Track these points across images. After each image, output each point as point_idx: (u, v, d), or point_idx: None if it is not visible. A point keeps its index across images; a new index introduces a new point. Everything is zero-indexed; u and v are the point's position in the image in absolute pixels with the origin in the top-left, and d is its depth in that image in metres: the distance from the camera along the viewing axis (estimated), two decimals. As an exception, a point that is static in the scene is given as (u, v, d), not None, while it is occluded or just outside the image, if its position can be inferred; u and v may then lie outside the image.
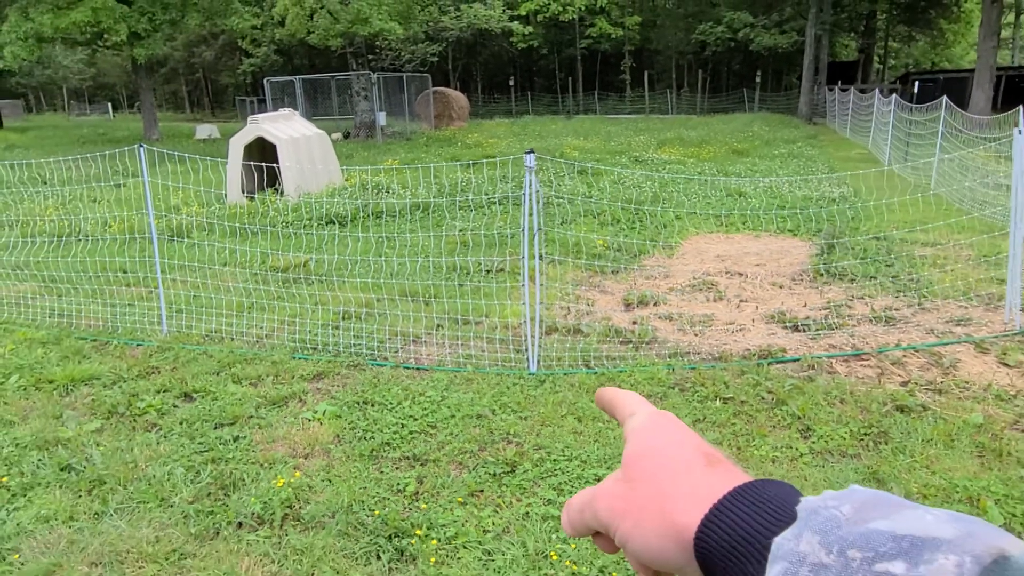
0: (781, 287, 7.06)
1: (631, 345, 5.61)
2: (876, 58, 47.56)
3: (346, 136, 27.67)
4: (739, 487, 0.42)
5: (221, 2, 26.81)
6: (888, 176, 12.80)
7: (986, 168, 12.04)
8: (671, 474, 0.46)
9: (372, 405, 4.65)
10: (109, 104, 60.48)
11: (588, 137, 23.16)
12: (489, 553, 3.12)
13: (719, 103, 40.33)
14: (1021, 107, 8.29)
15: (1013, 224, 5.51)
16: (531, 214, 4.99)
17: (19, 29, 22.41)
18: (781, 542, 0.37)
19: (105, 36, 25.44)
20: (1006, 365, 5.04)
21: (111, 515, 3.48)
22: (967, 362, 5.10)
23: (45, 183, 12.74)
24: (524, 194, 4.98)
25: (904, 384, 4.76)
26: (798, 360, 5.19)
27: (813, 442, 4.01)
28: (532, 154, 4.93)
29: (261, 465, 3.93)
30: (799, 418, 4.27)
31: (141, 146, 5.89)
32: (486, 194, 11.45)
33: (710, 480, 0.44)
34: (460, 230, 9.56)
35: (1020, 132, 5.29)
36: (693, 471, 0.45)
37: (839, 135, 24.12)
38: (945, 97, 11.96)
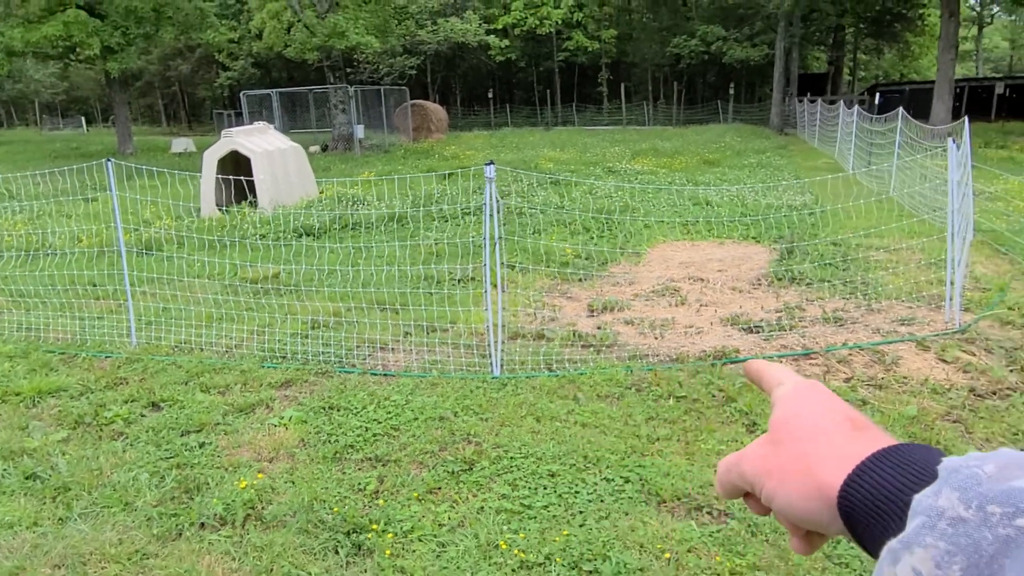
0: (740, 291, 7.28)
1: (593, 348, 5.78)
2: (847, 70, 48.56)
3: (324, 149, 27.74)
4: (883, 449, 0.44)
5: (196, 16, 26.84)
6: (851, 184, 13.15)
7: (944, 176, 12.41)
8: (816, 437, 0.47)
9: (338, 410, 4.77)
10: (83, 118, 59.99)
11: (564, 149, 23.45)
12: (443, 545, 3.26)
13: (695, 114, 40.92)
14: (966, 118, 8.60)
15: (951, 228, 5.77)
16: (492, 223, 5.15)
17: (-10, 43, 22.32)
18: (920, 499, 0.38)
19: (78, 50, 25.36)
20: (944, 361, 5.27)
21: (75, 520, 3.57)
22: (908, 359, 5.33)
23: (13, 198, 12.71)
24: (485, 204, 5.14)
25: (847, 380, 4.97)
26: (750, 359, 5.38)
27: (757, 435, 4.17)
28: (492, 165, 5.10)
29: (226, 469, 4.03)
30: (746, 414, 4.45)
31: (109, 160, 5.99)
32: (459, 205, 11.61)
33: (855, 443, 0.46)
34: (433, 240, 9.70)
35: (954, 142, 5.54)
36: (838, 434, 0.47)
37: (808, 145, 24.62)
38: (901, 108, 12.34)
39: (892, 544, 0.38)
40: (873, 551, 0.44)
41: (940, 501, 0.37)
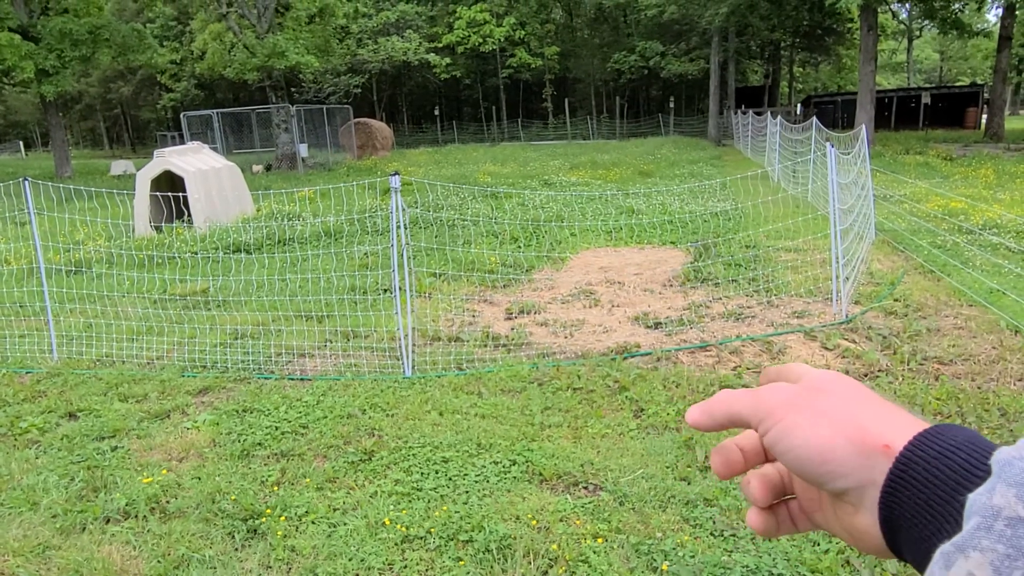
0: (652, 292, 7.67)
1: (504, 348, 6.07)
2: (784, 83, 50.31)
3: (268, 168, 27.68)
4: (942, 425, 0.42)
5: (134, 38, 26.61)
6: (774, 190, 13.79)
7: (858, 179, 13.14)
8: (863, 400, 0.46)
9: (251, 412, 4.96)
10: (21, 143, 58.44)
11: (505, 163, 23.88)
12: (334, 526, 3.49)
13: (637, 128, 41.94)
14: (864, 126, 9.21)
15: (833, 226, 6.24)
16: (399, 231, 5.42)
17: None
18: (975, 498, 0.36)
19: (11, 73, 24.90)
20: (827, 349, 5.71)
21: (-18, 520, 3.70)
22: (795, 348, 5.75)
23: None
24: (392, 213, 5.41)
25: (735, 369, 5.36)
26: (649, 354, 5.75)
27: (642, 420, 4.53)
28: (397, 176, 5.37)
29: (135, 470, 4.19)
30: (635, 401, 4.79)
31: (25, 180, 6.09)
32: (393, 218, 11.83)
33: (903, 416, 0.44)
34: (363, 253, 9.92)
35: (831, 145, 6.03)
36: (884, 406, 0.45)
37: (743, 156, 25.51)
38: (815, 118, 13.03)
39: (945, 548, 0.36)
40: (910, 551, 0.41)
41: (995, 499, 0.35)
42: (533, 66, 44.57)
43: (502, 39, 42.50)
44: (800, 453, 0.44)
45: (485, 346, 6.15)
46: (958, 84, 56.83)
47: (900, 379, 5.06)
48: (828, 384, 0.47)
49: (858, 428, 0.43)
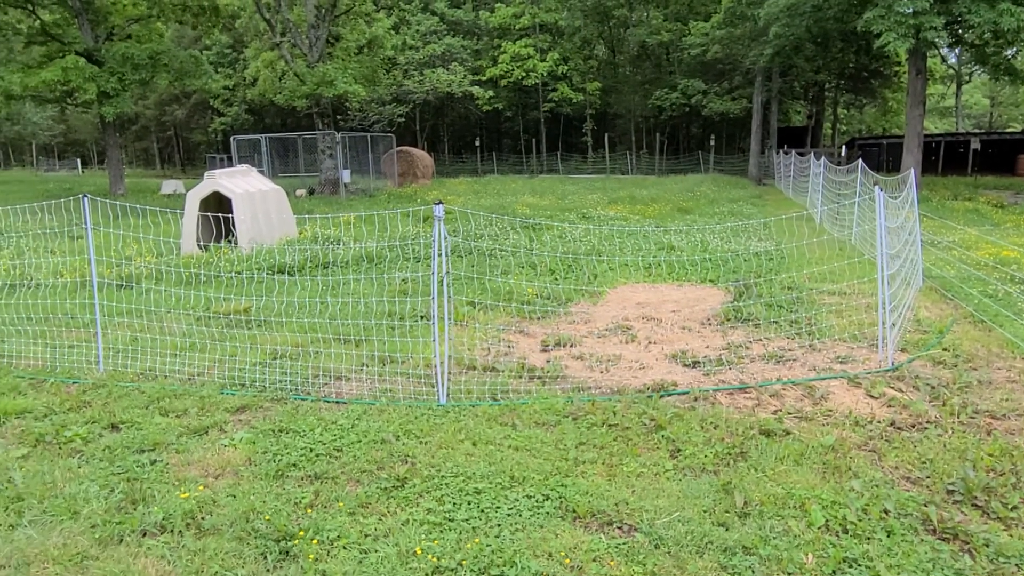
0: (690, 330, 7.58)
1: (539, 380, 6.04)
2: (828, 124, 49.92)
3: (311, 192, 28.26)
4: None
5: (191, 63, 27.59)
6: (817, 231, 13.62)
7: (905, 224, 12.92)
8: None
9: (287, 432, 5.00)
10: (78, 160, 60.69)
11: (543, 195, 24.00)
12: (365, 552, 3.48)
13: (677, 164, 41.89)
14: (912, 170, 9.06)
15: (880, 271, 6.12)
16: (440, 259, 5.47)
17: (-13, 87, 22.88)
18: None
19: (75, 94, 25.97)
20: (872, 397, 5.56)
21: (24, 526, 3.77)
22: (838, 394, 5.62)
23: (1, 234, 13.00)
24: (434, 241, 5.47)
25: (775, 413, 5.25)
26: (687, 393, 5.66)
27: (679, 460, 4.45)
28: (440, 205, 5.44)
29: (172, 484, 4.24)
30: (672, 440, 4.71)
31: (84, 196, 6.30)
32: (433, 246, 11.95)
33: None
34: (402, 279, 10.02)
35: (880, 189, 5.94)
36: None
37: (784, 196, 25.28)
38: (860, 160, 12.88)
39: None
40: None
41: None
42: (574, 100, 44.98)
43: (545, 74, 43.05)
44: None
45: (520, 377, 6.13)
46: (1009, 130, 55.74)
47: (950, 432, 4.90)
48: None
49: None
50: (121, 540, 3.63)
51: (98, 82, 24.73)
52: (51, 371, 6.52)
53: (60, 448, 4.82)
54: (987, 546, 3.50)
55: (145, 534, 3.69)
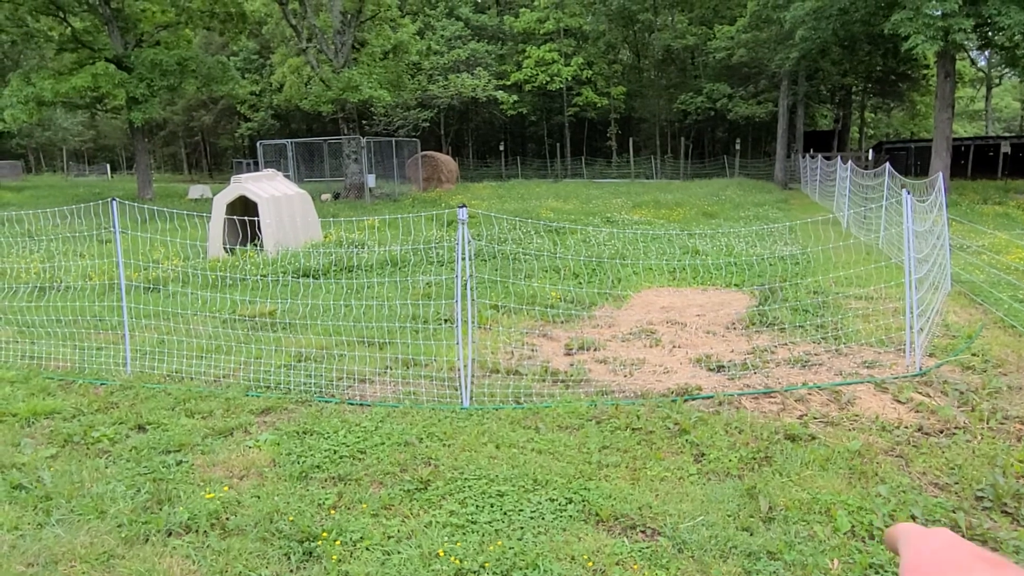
0: (714, 335, 7.51)
1: (563, 384, 6.02)
2: (855, 128, 49.26)
3: (336, 197, 28.48)
4: None
5: (218, 69, 27.98)
6: (843, 235, 13.43)
7: (934, 228, 12.71)
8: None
9: (311, 435, 5.03)
10: (108, 165, 61.79)
11: (568, 200, 23.97)
12: (388, 553, 3.48)
13: (701, 168, 41.59)
14: (940, 174, 8.90)
15: (908, 275, 6.02)
16: (464, 263, 5.47)
17: (20, 93, 23.38)
18: None
19: (104, 100, 26.44)
20: (899, 402, 5.46)
21: (53, 525, 3.83)
22: (864, 399, 5.53)
23: (32, 237, 13.26)
24: (457, 244, 5.48)
25: (800, 417, 5.18)
26: (711, 397, 5.61)
27: (703, 464, 4.41)
28: (464, 208, 5.45)
29: (198, 484, 4.29)
30: (696, 445, 4.67)
31: (114, 200, 6.41)
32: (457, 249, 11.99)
33: None
34: (426, 283, 10.05)
35: (907, 192, 5.84)
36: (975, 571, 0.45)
37: (810, 200, 24.98)
38: (888, 164, 12.69)
39: None
40: None
41: None
42: (599, 105, 44.88)
43: (569, 78, 43.02)
44: None
45: (543, 381, 6.11)
46: (1041, 133, 54.53)
47: (979, 438, 4.80)
48: (921, 564, 0.48)
49: None
50: (147, 540, 3.67)
51: (127, 88, 25.16)
52: (80, 373, 6.62)
53: (88, 448, 4.89)
54: (1017, 553, 3.42)
55: (171, 534, 3.73)
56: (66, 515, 3.93)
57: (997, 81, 49.91)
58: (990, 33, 21.28)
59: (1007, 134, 56.76)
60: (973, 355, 6.60)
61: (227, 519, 3.85)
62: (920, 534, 0.51)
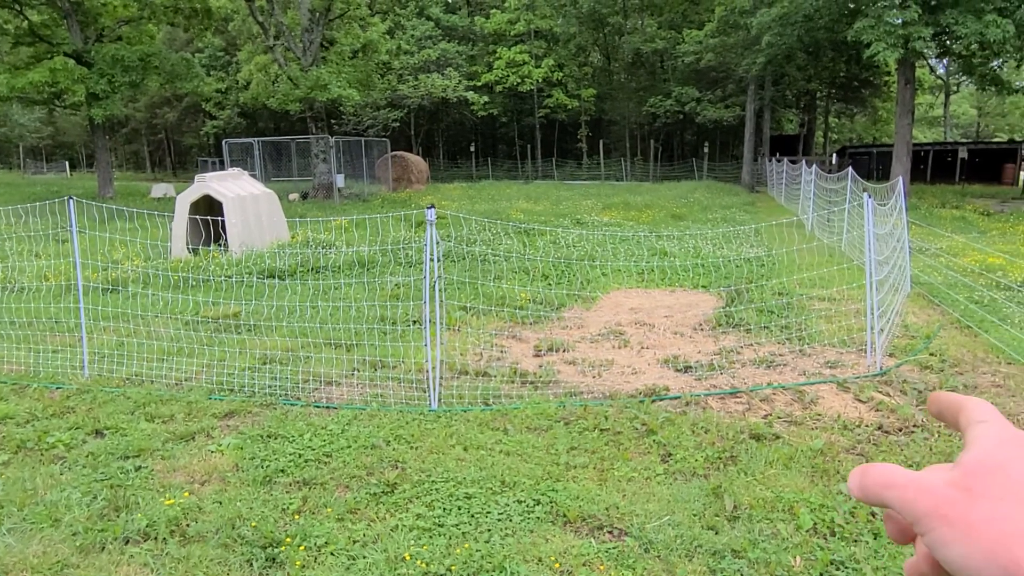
0: (682, 335, 7.57)
1: (532, 385, 6.01)
2: (819, 132, 50.17)
3: (304, 197, 28.15)
4: None
5: (182, 66, 27.48)
6: (808, 238, 13.65)
7: (894, 231, 12.97)
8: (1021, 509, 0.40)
9: (275, 438, 4.95)
10: (67, 163, 60.31)
11: (538, 201, 24.01)
12: (353, 558, 3.43)
13: (671, 171, 41.98)
14: (901, 178, 9.09)
15: (869, 277, 6.13)
16: (432, 264, 5.43)
17: (-26, 88, 22.70)
18: None
19: (63, 96, 25.80)
20: (860, 401, 5.56)
21: (3, 534, 3.71)
22: (827, 399, 5.61)
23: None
24: (426, 244, 5.44)
25: (765, 417, 5.24)
26: (678, 397, 5.64)
27: (670, 464, 4.43)
28: (433, 209, 5.41)
29: (157, 491, 4.19)
30: (663, 445, 4.69)
31: (70, 198, 6.24)
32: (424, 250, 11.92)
33: None
34: (394, 283, 9.97)
35: (869, 196, 5.95)
36: None
37: (776, 203, 25.37)
38: (851, 168, 12.93)
39: None
40: None
41: None
42: (569, 107, 45.03)
43: (540, 80, 43.10)
44: (953, 569, 0.41)
45: (512, 382, 6.10)
46: (995, 140, 56.18)
47: (936, 435, 4.90)
48: (990, 470, 0.42)
49: (1012, 560, 0.38)
50: (103, 548, 3.57)
51: (87, 84, 24.56)
52: (34, 376, 6.44)
53: (42, 455, 4.75)
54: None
55: (128, 541, 3.63)
56: (18, 524, 3.81)
57: (955, 89, 51.28)
58: (948, 42, 21.83)
59: (964, 140, 58.35)
60: (931, 355, 6.75)
61: (187, 525, 3.76)
62: (1004, 440, 0.44)
